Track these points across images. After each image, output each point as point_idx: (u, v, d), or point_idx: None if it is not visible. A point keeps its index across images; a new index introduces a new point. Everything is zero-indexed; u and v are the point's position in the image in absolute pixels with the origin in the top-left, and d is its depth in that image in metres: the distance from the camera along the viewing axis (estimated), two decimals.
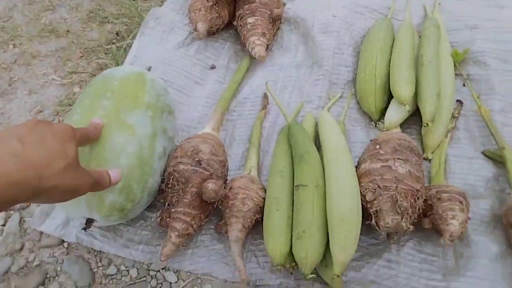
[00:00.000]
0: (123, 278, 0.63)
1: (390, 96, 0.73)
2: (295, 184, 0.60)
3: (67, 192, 0.43)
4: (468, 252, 0.59)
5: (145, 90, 0.63)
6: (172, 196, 0.61)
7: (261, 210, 0.61)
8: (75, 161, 0.44)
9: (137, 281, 0.62)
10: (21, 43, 0.97)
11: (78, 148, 0.47)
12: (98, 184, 0.48)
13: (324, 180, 0.59)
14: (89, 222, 0.58)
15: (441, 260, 0.59)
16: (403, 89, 0.67)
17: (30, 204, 0.71)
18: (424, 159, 0.68)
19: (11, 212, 0.71)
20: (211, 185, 0.59)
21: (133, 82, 0.63)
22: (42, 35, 0.98)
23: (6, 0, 1.08)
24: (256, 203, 0.61)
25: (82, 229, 0.58)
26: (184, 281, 0.62)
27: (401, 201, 0.54)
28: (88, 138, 0.52)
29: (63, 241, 0.67)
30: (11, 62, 0.93)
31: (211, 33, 0.89)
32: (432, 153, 0.68)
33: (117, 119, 0.57)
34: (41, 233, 0.68)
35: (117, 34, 0.95)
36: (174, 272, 0.63)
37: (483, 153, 0.68)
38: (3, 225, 0.69)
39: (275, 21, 0.86)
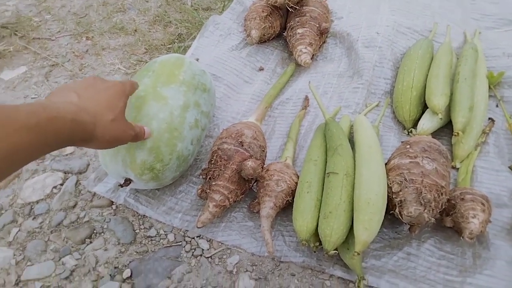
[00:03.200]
0: (161, 240, 0.69)
1: (424, 109, 0.78)
2: (327, 172, 0.65)
3: (113, 140, 0.51)
4: (486, 254, 0.62)
5: (182, 69, 0.72)
6: (214, 171, 0.68)
7: (292, 193, 0.67)
8: (121, 114, 0.52)
9: (173, 244, 0.68)
10: (93, 37, 1.09)
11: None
12: (137, 136, 0.57)
13: (354, 171, 0.64)
14: (127, 181, 0.66)
15: (459, 258, 0.62)
16: (437, 98, 0.72)
17: (86, 170, 0.80)
18: (452, 167, 0.72)
19: (69, 174, 0.79)
20: (250, 163, 0.65)
21: (172, 63, 0.72)
22: (112, 32, 1.10)
23: (83, 0, 1.23)
24: (289, 185, 0.66)
25: (119, 185, 0.65)
26: (215, 249, 0.67)
27: (425, 193, 0.58)
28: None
29: (111, 204, 0.74)
30: (83, 51, 1.05)
31: (263, 41, 0.98)
32: (461, 162, 0.72)
33: (153, 92, 0.66)
34: (93, 195, 0.76)
35: (178, 36, 1.06)
36: (207, 240, 0.68)
37: (510, 168, 0.71)
38: (61, 184, 0.78)
39: (322, 34, 0.94)
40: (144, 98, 0.65)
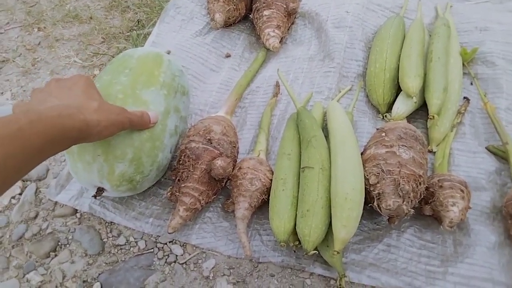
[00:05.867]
0: (132, 248, 0.65)
1: (398, 91, 0.75)
2: (301, 166, 0.62)
3: (110, 125, 0.49)
4: (467, 240, 0.61)
5: (161, 69, 0.66)
6: (183, 172, 0.63)
7: (267, 191, 0.64)
8: (103, 100, 0.51)
9: (144, 252, 0.65)
10: (46, 27, 1.01)
11: None
12: (140, 121, 0.57)
13: (330, 163, 0.61)
14: (100, 190, 0.61)
15: (440, 247, 0.61)
16: (411, 80, 0.69)
17: (46, 176, 0.75)
18: (429, 151, 0.70)
19: (28, 182, 0.74)
20: (219, 162, 0.61)
21: (151, 61, 0.66)
22: (66, 21, 1.02)
23: None
24: (264, 183, 0.63)
25: (93, 196, 0.61)
26: (189, 254, 0.64)
27: (403, 184, 0.56)
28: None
29: (75, 212, 0.69)
30: (35, 44, 0.97)
31: (228, 24, 0.92)
32: (437, 145, 0.70)
33: (133, 95, 0.60)
34: (55, 203, 0.71)
35: (137, 22, 0.99)
36: (180, 245, 0.65)
37: (487, 148, 0.70)
38: (20, 194, 0.72)
39: (290, 15, 0.89)
40: (123, 101, 0.59)
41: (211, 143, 0.65)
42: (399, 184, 0.56)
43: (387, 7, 0.89)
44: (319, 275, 0.61)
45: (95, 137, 0.47)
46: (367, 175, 0.59)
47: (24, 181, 0.74)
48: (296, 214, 0.59)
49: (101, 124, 0.47)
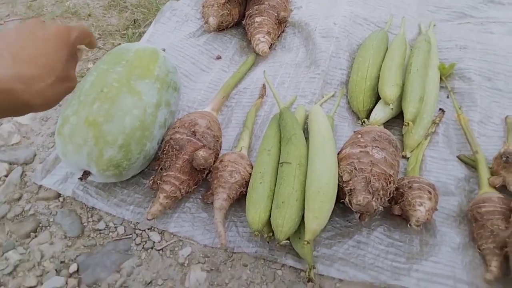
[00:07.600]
0: (110, 233, 0.67)
1: (377, 99, 0.78)
2: (280, 161, 0.65)
3: (55, 102, 0.43)
4: (433, 240, 0.63)
5: (156, 64, 0.69)
6: (166, 161, 0.66)
7: (246, 184, 0.66)
8: (64, 72, 0.43)
9: (123, 237, 0.67)
10: (45, 22, 1.04)
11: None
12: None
13: (307, 160, 0.64)
14: (86, 174, 0.63)
15: (407, 245, 0.63)
16: (389, 89, 0.73)
17: (33, 161, 0.76)
18: (403, 157, 0.73)
19: (14, 166, 0.76)
20: (201, 153, 0.64)
21: (147, 56, 0.70)
22: (65, 16, 1.06)
23: None
24: (243, 177, 0.66)
25: (78, 178, 0.63)
26: (166, 241, 0.66)
27: (373, 182, 0.59)
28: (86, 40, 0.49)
29: (59, 196, 0.71)
30: None
31: (221, 29, 0.96)
32: (411, 152, 0.73)
33: (127, 84, 0.64)
34: (40, 187, 0.72)
35: (134, 21, 1.02)
36: (158, 232, 0.67)
37: (458, 157, 0.73)
38: (6, 175, 0.74)
39: (281, 23, 0.93)
40: (118, 90, 0.62)
41: (195, 135, 0.67)
42: (370, 181, 0.59)
43: (373, 21, 0.94)
44: (290, 266, 0.63)
45: (35, 111, 0.42)
46: (341, 173, 0.62)
47: (11, 164, 0.76)
48: (271, 207, 0.62)
49: (49, 105, 0.42)
